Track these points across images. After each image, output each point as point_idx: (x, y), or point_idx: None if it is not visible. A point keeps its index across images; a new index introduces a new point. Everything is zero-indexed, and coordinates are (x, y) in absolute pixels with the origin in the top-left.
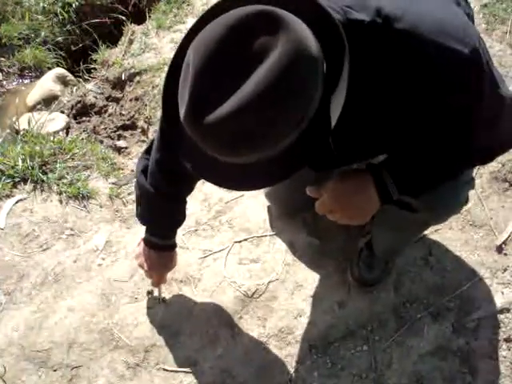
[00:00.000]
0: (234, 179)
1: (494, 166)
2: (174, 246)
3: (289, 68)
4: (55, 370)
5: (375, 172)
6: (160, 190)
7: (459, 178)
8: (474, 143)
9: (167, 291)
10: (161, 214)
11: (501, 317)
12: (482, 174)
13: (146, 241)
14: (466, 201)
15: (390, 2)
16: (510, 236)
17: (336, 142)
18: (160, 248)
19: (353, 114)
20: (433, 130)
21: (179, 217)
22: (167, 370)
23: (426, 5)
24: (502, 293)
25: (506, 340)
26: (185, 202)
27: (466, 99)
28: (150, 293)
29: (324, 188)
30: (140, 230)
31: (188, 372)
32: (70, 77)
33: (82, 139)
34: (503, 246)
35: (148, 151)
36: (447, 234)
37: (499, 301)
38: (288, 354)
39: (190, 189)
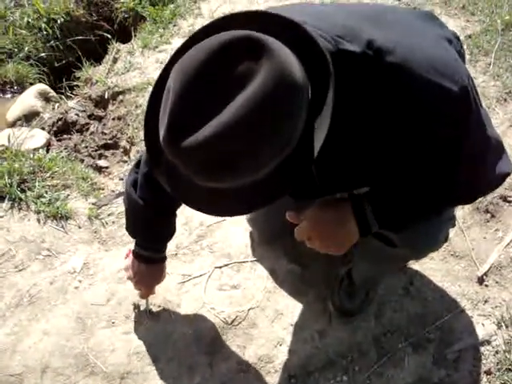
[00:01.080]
0: (211, 204)
1: None
2: (164, 258)
3: (271, 94)
4: None
5: (356, 204)
6: (148, 202)
7: (441, 215)
8: (458, 181)
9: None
10: (149, 227)
11: (482, 349)
12: (463, 206)
13: (135, 254)
14: (446, 238)
15: (383, 34)
16: (491, 267)
17: (319, 171)
18: (149, 261)
19: (337, 144)
20: (417, 164)
21: (168, 230)
22: None
23: (418, 40)
24: (483, 324)
25: (487, 372)
26: (174, 215)
27: (452, 136)
28: (136, 307)
29: (304, 214)
30: (118, 253)
31: None
32: (52, 93)
33: (63, 157)
34: (484, 277)
35: (138, 165)
36: (428, 264)
37: (480, 332)
38: (267, 383)
39: (179, 203)
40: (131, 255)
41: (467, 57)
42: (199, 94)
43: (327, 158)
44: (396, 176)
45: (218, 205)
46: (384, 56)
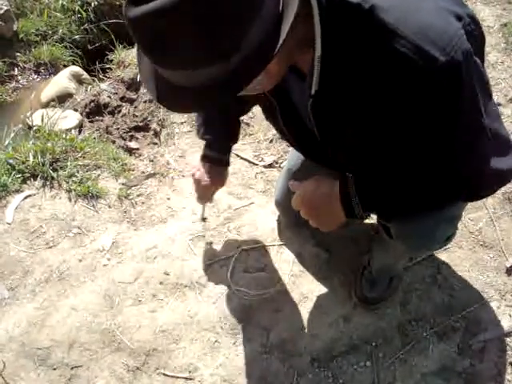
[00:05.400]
0: (168, 97)
1: (507, 186)
2: (227, 163)
3: None
4: (55, 369)
5: (343, 183)
6: None
7: (440, 213)
8: (455, 172)
9: (172, 295)
10: (215, 125)
11: (507, 340)
12: (494, 195)
13: (201, 156)
14: (448, 239)
15: None
16: None
17: (318, 123)
18: (214, 162)
19: (332, 94)
20: (404, 138)
21: (233, 130)
22: (167, 375)
23: (416, 6)
24: (510, 315)
25: None
26: (237, 122)
27: (439, 112)
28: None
29: (301, 186)
30: (147, 233)
31: (188, 378)
32: (85, 75)
33: (94, 138)
34: None
35: None
36: (457, 253)
37: (506, 324)
38: (290, 366)
39: (240, 109)
40: (199, 160)
41: (502, 45)
42: None
43: (323, 106)
44: (383, 152)
45: (171, 98)
46: (377, 13)
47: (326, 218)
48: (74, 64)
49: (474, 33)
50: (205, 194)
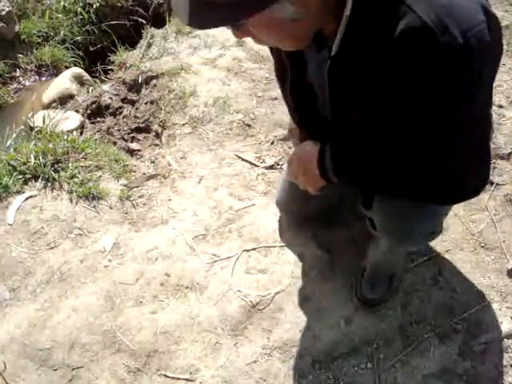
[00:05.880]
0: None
1: (508, 188)
2: None
3: None
4: (55, 370)
5: (322, 149)
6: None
7: (420, 206)
8: (450, 164)
9: (173, 296)
10: None
11: (508, 342)
12: (495, 197)
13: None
14: (431, 235)
15: None
16: None
17: (332, 88)
18: None
19: (349, 57)
20: (399, 110)
21: None
22: (168, 377)
23: None
24: (511, 317)
25: None
26: None
27: (444, 89)
28: None
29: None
30: (148, 234)
31: (189, 380)
32: (87, 77)
33: (96, 139)
34: None
35: None
36: (458, 254)
37: (507, 326)
38: (291, 367)
39: None
40: None
41: (504, 47)
42: None
43: (340, 69)
44: (382, 124)
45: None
46: None
47: (309, 177)
48: (75, 65)
49: (492, 27)
50: None
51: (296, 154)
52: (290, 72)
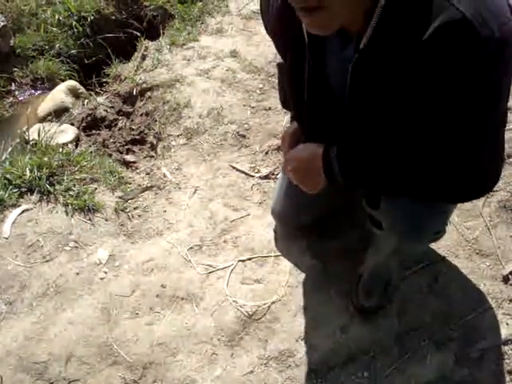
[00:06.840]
0: None
1: (502, 194)
2: None
3: None
4: (52, 383)
5: (327, 149)
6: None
7: (431, 204)
8: (459, 161)
9: (169, 308)
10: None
11: (505, 348)
12: (490, 203)
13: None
14: (438, 233)
15: None
16: None
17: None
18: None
19: (378, 50)
20: (427, 104)
21: None
22: None
23: None
24: (507, 324)
25: (510, 372)
26: None
27: (473, 78)
28: None
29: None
30: (143, 246)
31: None
32: (82, 89)
33: (91, 152)
34: (510, 276)
35: None
36: (453, 262)
37: (504, 332)
38: (288, 377)
39: None
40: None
41: None
42: None
43: (366, 63)
44: (406, 117)
45: None
46: None
47: (308, 177)
48: (70, 78)
49: None
50: None
51: (295, 156)
52: (309, 64)
